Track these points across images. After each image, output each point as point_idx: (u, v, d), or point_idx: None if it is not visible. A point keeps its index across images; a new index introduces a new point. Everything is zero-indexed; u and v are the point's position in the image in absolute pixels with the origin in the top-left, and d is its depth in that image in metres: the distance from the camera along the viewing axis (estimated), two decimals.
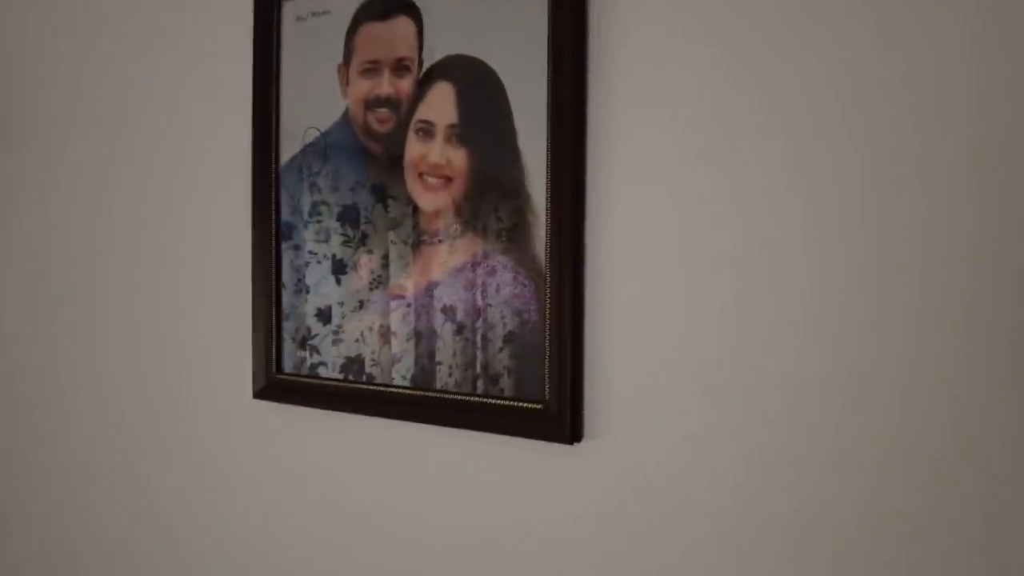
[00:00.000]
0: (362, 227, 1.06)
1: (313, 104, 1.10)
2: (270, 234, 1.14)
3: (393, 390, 1.03)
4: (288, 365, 1.14)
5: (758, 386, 0.82)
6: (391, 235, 1.03)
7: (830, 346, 0.78)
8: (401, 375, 1.03)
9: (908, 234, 0.75)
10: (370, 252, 1.05)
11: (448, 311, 0.99)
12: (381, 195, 1.04)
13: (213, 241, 1.23)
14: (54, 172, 1.43)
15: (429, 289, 1.00)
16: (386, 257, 1.04)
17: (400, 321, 1.03)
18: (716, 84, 0.83)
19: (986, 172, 0.71)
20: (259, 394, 1.16)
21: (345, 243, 1.08)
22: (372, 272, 1.05)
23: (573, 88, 0.88)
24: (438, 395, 0.99)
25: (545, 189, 0.90)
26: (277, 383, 1.14)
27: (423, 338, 1.01)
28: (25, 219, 1.47)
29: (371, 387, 1.05)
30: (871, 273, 0.76)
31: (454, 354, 0.98)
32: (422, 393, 1.01)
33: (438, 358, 1.00)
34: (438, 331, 1.00)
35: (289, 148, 1.12)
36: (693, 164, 0.84)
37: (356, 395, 1.06)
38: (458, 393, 0.97)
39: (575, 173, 0.89)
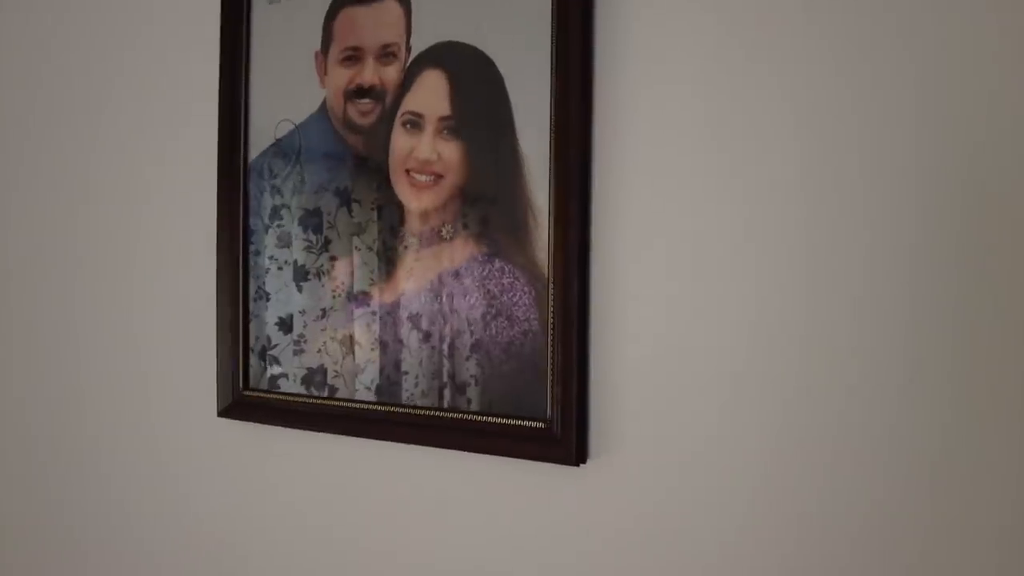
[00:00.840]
0: (325, 232, 0.99)
1: (287, 94, 1.01)
2: (237, 241, 1.05)
3: (378, 408, 0.94)
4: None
5: (777, 400, 0.76)
6: (356, 240, 0.96)
7: (854, 356, 0.72)
8: (365, 386, 0.95)
9: (931, 236, 0.70)
10: (334, 259, 0.98)
11: (434, 320, 0.90)
12: (346, 198, 0.97)
13: (177, 247, 1.14)
14: (8, 173, 1.34)
15: (414, 296, 0.92)
16: (351, 263, 0.97)
17: (365, 329, 0.96)
18: (733, 75, 0.77)
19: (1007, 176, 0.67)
20: (224, 412, 1.06)
21: (307, 249, 1.00)
22: (336, 279, 0.98)
23: (579, 80, 0.81)
24: (429, 413, 0.91)
25: (548, 189, 0.83)
26: (243, 401, 1.05)
27: (390, 346, 0.93)
28: None
29: (352, 405, 0.96)
30: (896, 281, 0.71)
31: (420, 362, 0.91)
32: (409, 411, 0.92)
33: (405, 368, 0.92)
34: (404, 341, 0.92)
35: (260, 143, 1.03)
36: (709, 163, 0.78)
37: (333, 413, 0.98)
38: (452, 411, 0.89)
39: (581, 172, 0.82)
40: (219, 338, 1.07)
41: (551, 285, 0.83)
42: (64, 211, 1.27)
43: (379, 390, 0.94)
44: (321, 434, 1.00)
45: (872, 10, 0.71)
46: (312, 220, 0.99)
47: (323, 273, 0.99)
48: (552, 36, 0.82)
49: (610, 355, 0.83)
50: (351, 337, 0.97)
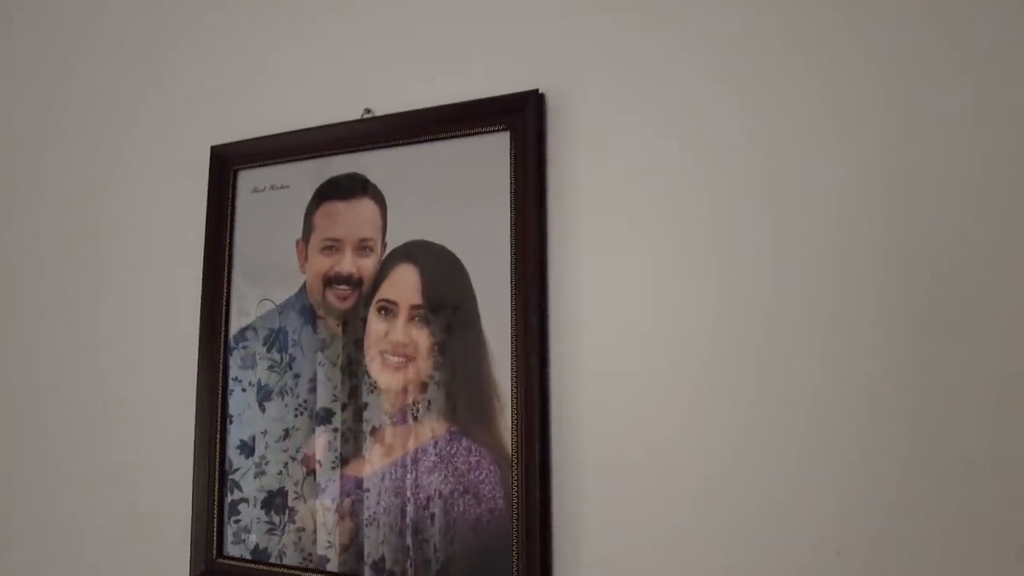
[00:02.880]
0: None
1: (268, 276, 1.09)
2: (215, 419, 1.09)
3: None
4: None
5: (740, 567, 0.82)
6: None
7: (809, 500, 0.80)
8: (327, 542, 0.99)
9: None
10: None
11: (402, 494, 0.96)
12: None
13: (156, 413, 1.18)
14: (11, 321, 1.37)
15: (388, 471, 0.97)
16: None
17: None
18: (664, 280, 0.88)
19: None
20: None
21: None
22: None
23: (536, 278, 0.91)
24: None
25: (511, 376, 0.91)
26: (218, 570, 1.06)
27: (362, 520, 0.97)
28: None
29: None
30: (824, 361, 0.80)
31: (388, 536, 0.95)
32: None
33: (371, 540, 0.96)
34: (371, 514, 0.97)
35: (241, 320, 1.10)
36: (661, 341, 0.88)
37: None
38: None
39: (541, 362, 0.90)
40: (195, 506, 1.09)
41: (514, 464, 0.90)
42: (53, 375, 1.31)
43: (343, 549, 0.98)
44: None
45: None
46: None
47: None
48: (511, 241, 0.93)
49: (573, 528, 0.89)
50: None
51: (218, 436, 1.08)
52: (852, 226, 0.82)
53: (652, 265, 0.89)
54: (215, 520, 1.08)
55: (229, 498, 1.06)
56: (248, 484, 1.05)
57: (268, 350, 1.06)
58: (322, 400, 1.02)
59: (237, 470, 1.06)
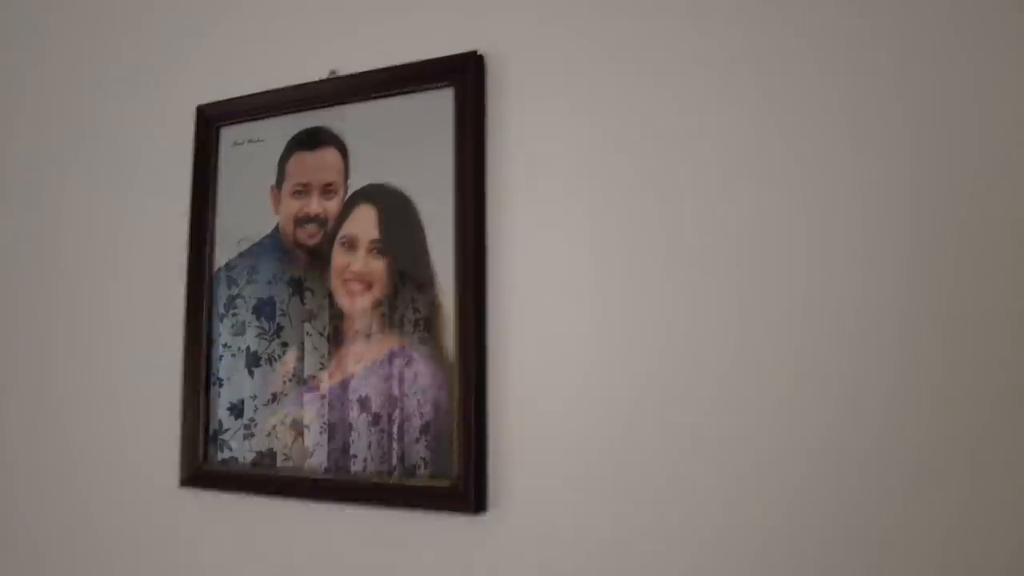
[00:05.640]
0: (278, 319, 1.18)
1: (246, 219, 1.23)
2: (201, 334, 1.23)
3: (321, 479, 1.12)
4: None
5: (650, 460, 0.95)
6: (307, 327, 1.15)
7: (730, 412, 0.91)
8: (312, 468, 1.13)
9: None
10: (285, 344, 1.17)
11: (365, 402, 1.11)
12: (298, 287, 1.17)
13: (147, 337, 1.31)
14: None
15: (348, 382, 1.12)
16: (302, 348, 1.16)
17: (315, 414, 1.13)
18: (599, 217, 1.03)
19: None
20: (186, 482, 1.22)
21: (260, 335, 1.19)
22: (287, 364, 1.16)
23: (474, 217, 1.06)
24: (355, 478, 1.10)
25: (454, 295, 1.06)
26: (204, 474, 1.21)
27: (338, 429, 1.11)
28: None
29: (297, 476, 1.14)
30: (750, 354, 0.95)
31: (369, 445, 1.09)
32: (339, 478, 1.10)
33: (353, 451, 1.10)
34: (353, 423, 1.11)
35: (223, 256, 1.25)
36: (582, 271, 1.02)
37: (280, 481, 1.15)
38: (374, 473, 1.09)
39: (477, 282, 1.05)
40: (184, 414, 1.23)
41: (455, 369, 1.05)
42: (42, 307, 1.44)
43: (326, 470, 1.11)
44: (276, 500, 1.16)
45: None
46: (266, 308, 1.19)
47: (274, 359, 1.18)
48: (455, 183, 1.08)
49: (505, 423, 1.03)
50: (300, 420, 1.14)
51: (204, 352, 1.23)
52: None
53: (576, 210, 1.03)
54: (200, 432, 1.21)
55: (219, 456, 1.19)
56: (238, 444, 1.18)
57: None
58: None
59: (227, 430, 1.19)
